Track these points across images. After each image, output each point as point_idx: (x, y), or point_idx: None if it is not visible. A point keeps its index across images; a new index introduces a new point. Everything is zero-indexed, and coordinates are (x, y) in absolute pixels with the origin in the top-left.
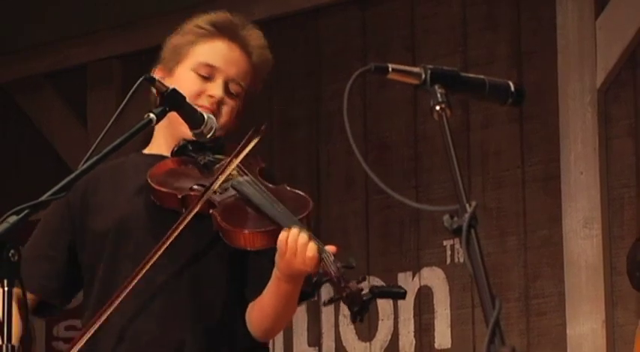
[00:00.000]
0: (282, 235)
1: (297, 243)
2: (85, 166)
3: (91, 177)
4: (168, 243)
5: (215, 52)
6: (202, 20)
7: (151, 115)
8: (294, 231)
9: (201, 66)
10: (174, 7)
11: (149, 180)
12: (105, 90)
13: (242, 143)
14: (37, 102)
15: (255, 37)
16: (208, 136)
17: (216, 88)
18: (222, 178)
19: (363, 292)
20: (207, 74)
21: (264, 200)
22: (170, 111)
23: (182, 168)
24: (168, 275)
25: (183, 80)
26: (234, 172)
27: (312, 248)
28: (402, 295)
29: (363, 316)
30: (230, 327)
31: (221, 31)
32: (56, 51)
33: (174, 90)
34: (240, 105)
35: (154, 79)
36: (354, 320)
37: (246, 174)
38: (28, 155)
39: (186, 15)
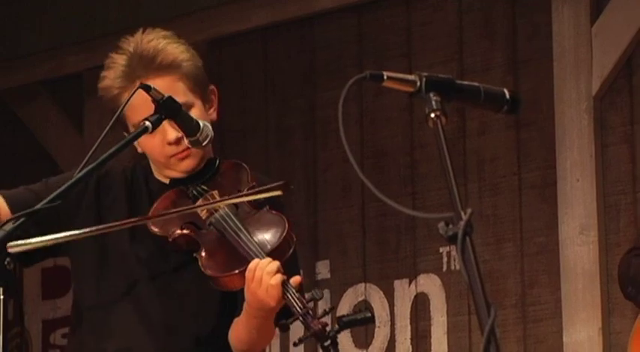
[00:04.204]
0: (251, 265)
1: (262, 272)
2: (80, 175)
3: (106, 183)
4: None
5: (137, 107)
6: (116, 68)
7: (147, 123)
8: (263, 261)
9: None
10: (170, 14)
11: (148, 224)
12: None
13: (259, 189)
14: (34, 110)
15: (159, 49)
16: (204, 144)
17: (168, 134)
18: (197, 209)
19: (328, 327)
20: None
21: (239, 238)
22: (165, 119)
23: (175, 205)
24: (166, 310)
25: (143, 147)
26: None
27: (275, 278)
28: (370, 320)
29: (336, 348)
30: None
31: (134, 76)
32: (53, 59)
33: (169, 98)
34: (200, 107)
35: (150, 86)
36: None
37: (224, 207)
38: (24, 162)
39: (181, 23)
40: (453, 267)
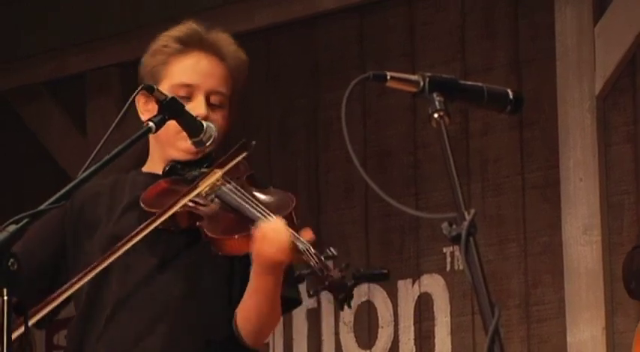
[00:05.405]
0: (258, 223)
1: (270, 229)
2: (84, 175)
3: (91, 192)
4: (133, 241)
5: (188, 69)
6: (169, 38)
7: (150, 124)
8: (271, 219)
9: (178, 87)
10: (172, 14)
11: (142, 204)
12: (104, 99)
13: (227, 155)
14: (36, 110)
15: (224, 39)
16: (207, 144)
17: (198, 107)
18: (202, 187)
19: (346, 278)
20: (186, 94)
21: (246, 204)
22: (169, 119)
23: (172, 187)
24: (171, 294)
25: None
26: (219, 182)
27: (284, 233)
28: (385, 276)
29: (350, 303)
30: (231, 340)
31: (189, 44)
32: (55, 59)
33: (173, 98)
34: (226, 112)
35: (153, 87)
36: (341, 307)
37: (229, 183)
38: (26, 164)
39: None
40: (456, 267)
